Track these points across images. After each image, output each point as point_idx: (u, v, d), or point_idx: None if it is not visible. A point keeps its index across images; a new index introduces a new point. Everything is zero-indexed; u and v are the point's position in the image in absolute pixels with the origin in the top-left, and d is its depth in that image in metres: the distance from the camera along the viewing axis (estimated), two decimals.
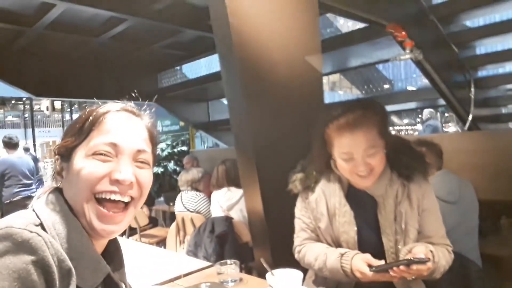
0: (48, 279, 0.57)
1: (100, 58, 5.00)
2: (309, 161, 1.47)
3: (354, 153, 1.24)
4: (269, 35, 1.97)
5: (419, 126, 7.37)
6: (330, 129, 1.28)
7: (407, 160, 1.34)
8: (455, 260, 1.35)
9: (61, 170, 0.74)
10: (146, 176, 0.75)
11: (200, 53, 5.39)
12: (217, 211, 3.51)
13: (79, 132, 0.73)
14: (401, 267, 1.14)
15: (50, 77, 4.64)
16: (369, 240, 1.31)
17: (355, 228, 1.32)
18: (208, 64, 6.60)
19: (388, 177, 1.33)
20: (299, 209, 1.48)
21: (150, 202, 5.00)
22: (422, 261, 1.13)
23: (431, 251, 1.21)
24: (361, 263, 1.21)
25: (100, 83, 5.22)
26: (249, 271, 3.19)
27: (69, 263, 0.61)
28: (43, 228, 0.63)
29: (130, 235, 4.68)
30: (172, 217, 5.04)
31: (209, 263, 1.70)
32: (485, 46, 3.89)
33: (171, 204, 4.89)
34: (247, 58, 1.89)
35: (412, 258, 1.15)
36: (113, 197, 0.70)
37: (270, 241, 1.92)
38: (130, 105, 0.81)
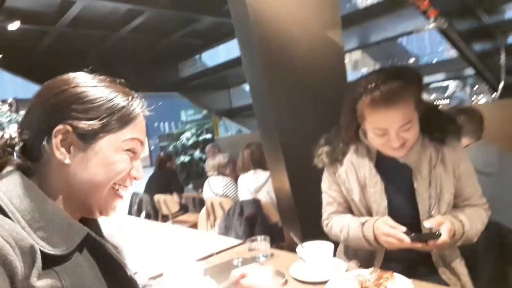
0: (5, 263, 0.53)
1: (121, 52, 5.09)
2: (334, 134, 1.45)
3: (389, 129, 1.18)
4: (288, 12, 1.95)
5: (447, 101, 7.13)
6: (363, 102, 1.20)
7: (439, 123, 1.29)
8: (493, 229, 1.33)
9: (69, 144, 0.68)
10: None
11: (218, 40, 5.39)
12: (244, 194, 3.56)
13: (112, 120, 0.70)
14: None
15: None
16: (402, 208, 1.29)
17: (385, 199, 1.31)
18: (227, 51, 6.62)
19: (419, 143, 1.29)
20: (326, 184, 1.48)
21: (180, 189, 5.11)
22: (434, 237, 1.14)
23: (453, 224, 1.19)
24: (384, 227, 1.20)
25: (122, 77, 5.33)
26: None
27: (29, 240, 0.57)
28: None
29: (163, 221, 4.82)
30: (201, 203, 5.17)
31: (240, 241, 1.73)
32: None
33: (199, 190, 5.01)
34: (266, 37, 1.88)
35: (437, 232, 1.15)
36: (125, 191, 0.74)
37: (298, 218, 1.93)
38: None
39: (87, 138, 0.68)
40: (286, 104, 1.97)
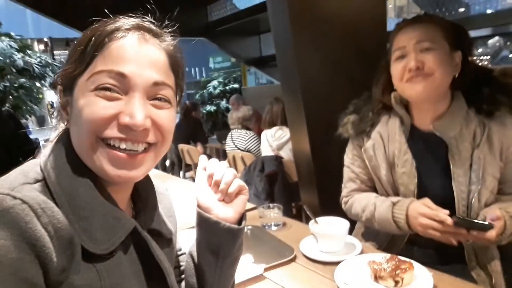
0: (40, 255, 0.47)
1: None
2: (365, 100, 1.27)
3: (406, 46, 1.07)
4: None
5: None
6: (392, 36, 1.14)
7: (489, 92, 1.08)
8: None
9: (65, 104, 0.59)
10: (166, 118, 0.58)
11: None
12: (266, 150, 3.45)
13: (81, 57, 0.55)
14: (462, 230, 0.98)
15: (101, 15, 4.63)
16: (434, 194, 1.10)
17: (415, 181, 1.13)
18: None
19: (463, 114, 1.09)
20: (349, 157, 1.32)
21: (204, 140, 5.09)
22: (483, 228, 0.96)
23: (505, 220, 0.99)
24: (422, 207, 1.03)
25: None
26: (298, 210, 3.17)
27: (69, 230, 0.51)
28: (47, 185, 0.53)
29: (186, 171, 4.86)
30: (225, 154, 5.15)
31: (253, 206, 1.64)
32: None
33: (223, 142, 4.96)
34: None
35: (488, 223, 0.96)
36: (123, 146, 0.55)
37: (317, 183, 1.80)
38: (147, 21, 0.61)
39: (69, 90, 0.57)
40: (313, 58, 1.76)
